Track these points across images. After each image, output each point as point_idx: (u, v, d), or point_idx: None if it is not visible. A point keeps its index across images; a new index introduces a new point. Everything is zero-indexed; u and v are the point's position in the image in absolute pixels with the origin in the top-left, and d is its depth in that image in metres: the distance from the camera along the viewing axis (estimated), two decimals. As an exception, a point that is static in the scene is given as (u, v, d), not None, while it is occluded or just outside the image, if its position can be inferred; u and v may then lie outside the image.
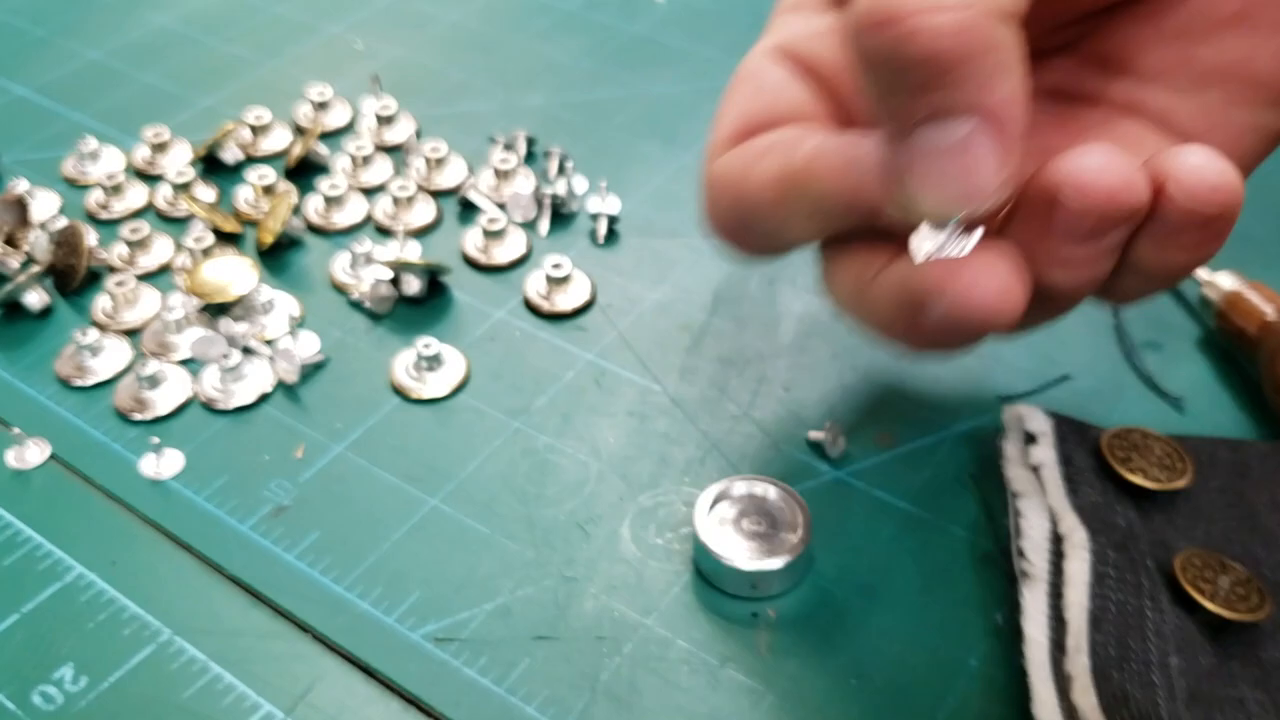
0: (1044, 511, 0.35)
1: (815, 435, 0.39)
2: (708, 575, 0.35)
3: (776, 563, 0.34)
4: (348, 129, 0.52)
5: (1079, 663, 0.30)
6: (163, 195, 0.48)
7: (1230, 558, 0.33)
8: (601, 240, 0.46)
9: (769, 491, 0.36)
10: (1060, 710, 0.30)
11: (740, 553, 0.35)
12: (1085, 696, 0.30)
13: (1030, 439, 0.36)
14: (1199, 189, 0.26)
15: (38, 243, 0.46)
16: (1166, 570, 0.33)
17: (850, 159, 0.28)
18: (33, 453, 0.39)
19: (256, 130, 0.51)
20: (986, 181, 0.25)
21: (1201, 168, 0.27)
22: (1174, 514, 0.35)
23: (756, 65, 0.33)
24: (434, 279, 0.44)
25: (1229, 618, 0.32)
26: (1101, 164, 0.26)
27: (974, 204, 0.25)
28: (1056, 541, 0.34)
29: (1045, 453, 0.36)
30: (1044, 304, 0.28)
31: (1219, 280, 0.41)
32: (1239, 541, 0.35)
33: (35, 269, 0.44)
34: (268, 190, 0.47)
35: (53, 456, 0.39)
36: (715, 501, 0.36)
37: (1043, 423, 0.37)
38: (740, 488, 0.36)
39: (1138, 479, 0.35)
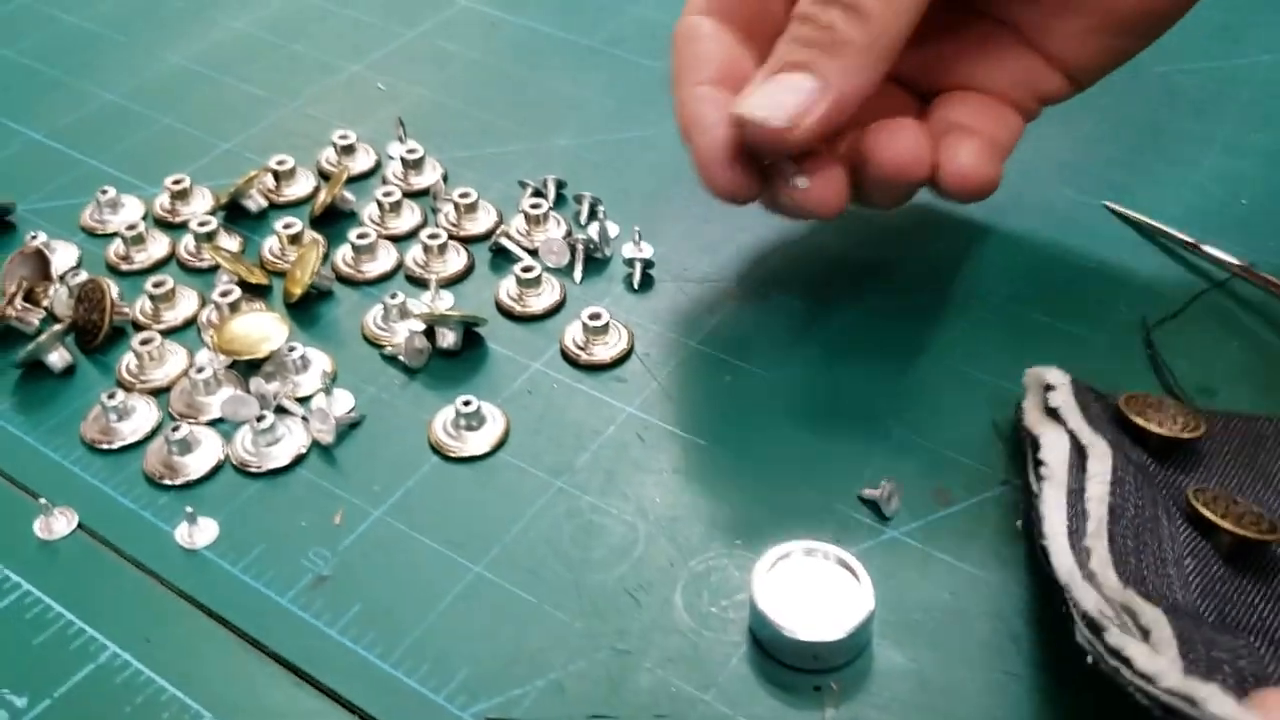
0: (1064, 436, 0.35)
1: (869, 493, 0.38)
2: (767, 646, 0.34)
3: (839, 632, 0.33)
4: (372, 173, 0.51)
5: (1099, 545, 0.31)
6: (185, 246, 0.47)
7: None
8: (637, 286, 0.45)
9: (828, 556, 0.35)
10: (1080, 573, 0.30)
11: (800, 622, 0.33)
12: (1104, 569, 0.30)
13: (1049, 389, 0.37)
14: (955, 181, 0.38)
15: (57, 298, 0.44)
16: (1179, 501, 0.34)
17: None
18: (60, 522, 0.38)
19: (280, 176, 0.49)
20: (794, 124, 0.35)
21: (961, 167, 0.38)
22: (1186, 465, 0.36)
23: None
24: (469, 330, 0.43)
25: (1242, 534, 0.32)
26: (901, 147, 0.38)
27: (773, 138, 0.36)
28: (1078, 455, 0.34)
29: (1064, 397, 0.37)
30: (864, 203, 0.40)
31: None
32: (1251, 493, 0.35)
33: (57, 327, 0.43)
34: (294, 240, 0.46)
35: (80, 526, 0.38)
36: (771, 567, 0.35)
37: (1060, 376, 0.37)
38: (797, 552, 0.35)
39: (1153, 426, 0.36)
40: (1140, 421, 0.36)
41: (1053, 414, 0.36)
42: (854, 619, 0.33)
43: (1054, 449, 0.35)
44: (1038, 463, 0.35)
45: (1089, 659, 0.29)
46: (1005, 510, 0.37)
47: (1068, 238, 0.47)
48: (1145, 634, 0.28)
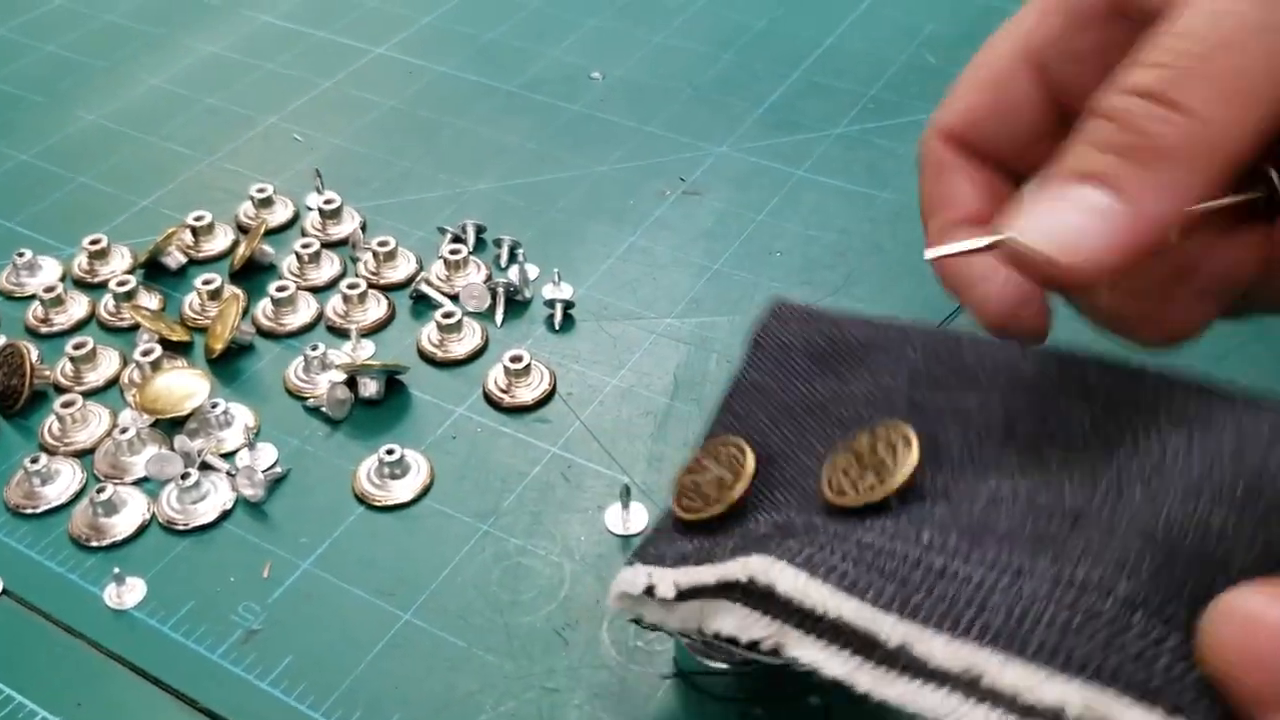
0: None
1: None
2: (692, 678, 0.35)
3: (762, 659, 0.34)
4: (291, 225, 0.52)
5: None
6: (105, 306, 0.47)
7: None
8: (558, 327, 0.46)
9: (748, 585, 0.36)
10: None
11: (724, 652, 0.34)
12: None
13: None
14: None
15: (-24, 363, 0.44)
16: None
17: None
18: (-15, 589, 0.38)
19: (198, 232, 0.50)
20: (1085, 260, 0.25)
21: None
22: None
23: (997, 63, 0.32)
24: (391, 378, 0.44)
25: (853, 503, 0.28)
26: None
27: (1065, 258, 0.26)
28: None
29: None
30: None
31: None
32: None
33: (-23, 393, 0.43)
34: (214, 295, 0.46)
35: (5, 591, 0.38)
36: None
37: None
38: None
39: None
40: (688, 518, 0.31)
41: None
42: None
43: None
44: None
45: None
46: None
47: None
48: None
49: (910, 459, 0.28)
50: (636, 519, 0.39)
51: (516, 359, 0.43)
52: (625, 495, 0.39)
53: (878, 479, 0.28)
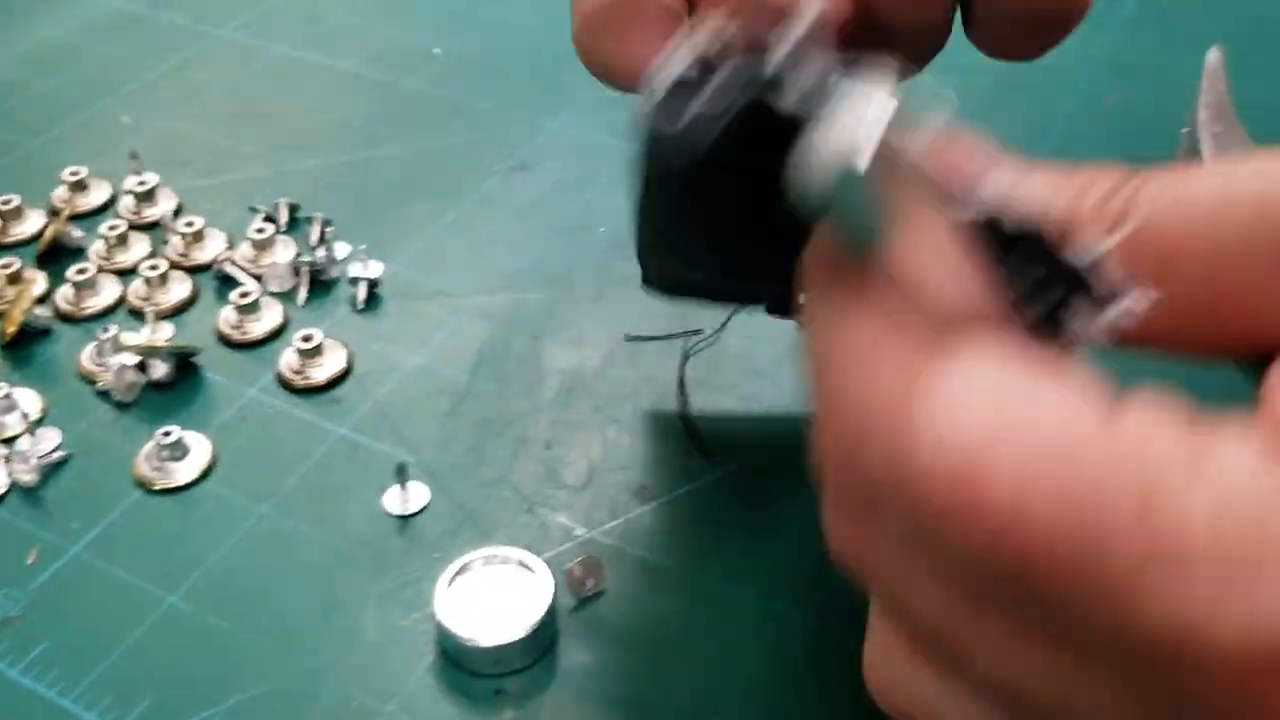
0: None
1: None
2: (450, 655, 0.35)
3: (517, 635, 0.34)
4: (107, 208, 0.51)
5: None
6: (-100, 293, 0.46)
7: None
8: (361, 305, 0.46)
9: (507, 560, 0.36)
10: None
11: (481, 629, 0.34)
12: None
13: None
14: None
15: None
16: None
17: None
18: None
19: (6, 216, 0.49)
20: None
21: None
22: None
23: None
24: (185, 361, 0.43)
25: None
26: None
27: None
28: None
29: None
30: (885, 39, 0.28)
31: None
32: None
33: None
34: (13, 279, 0.46)
35: None
36: (455, 577, 0.35)
37: None
38: (478, 561, 0.36)
39: None
40: None
41: None
42: (531, 619, 0.34)
43: None
44: None
45: None
46: (701, 504, 0.38)
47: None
48: None
49: None
50: (416, 497, 0.39)
51: (307, 338, 0.42)
52: (401, 473, 0.38)
53: None
